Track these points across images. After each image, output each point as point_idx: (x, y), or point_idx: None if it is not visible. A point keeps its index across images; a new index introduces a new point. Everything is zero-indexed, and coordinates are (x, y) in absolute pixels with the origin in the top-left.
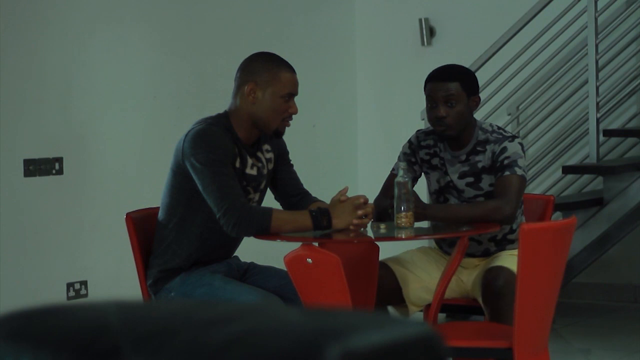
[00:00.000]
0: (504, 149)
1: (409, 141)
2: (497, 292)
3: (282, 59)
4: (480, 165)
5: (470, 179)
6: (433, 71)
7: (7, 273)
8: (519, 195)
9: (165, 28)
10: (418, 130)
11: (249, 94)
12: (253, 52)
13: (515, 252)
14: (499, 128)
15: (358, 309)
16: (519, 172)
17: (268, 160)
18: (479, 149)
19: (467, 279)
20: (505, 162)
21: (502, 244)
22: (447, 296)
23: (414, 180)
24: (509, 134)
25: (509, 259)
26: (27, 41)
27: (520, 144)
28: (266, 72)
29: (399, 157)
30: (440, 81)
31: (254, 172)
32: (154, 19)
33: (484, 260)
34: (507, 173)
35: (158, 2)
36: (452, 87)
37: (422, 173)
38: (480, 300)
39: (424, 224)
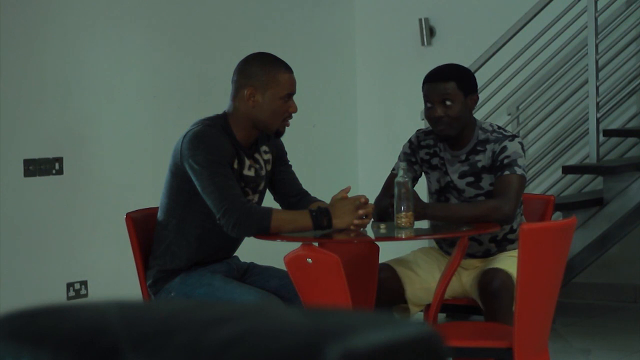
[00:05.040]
0: (504, 148)
1: (409, 141)
2: (493, 294)
3: (278, 59)
4: (480, 164)
5: (471, 179)
6: (429, 72)
7: (7, 273)
8: (518, 194)
9: (165, 28)
10: (418, 130)
11: (248, 98)
12: (251, 53)
13: (514, 253)
14: (499, 127)
15: (358, 309)
16: (519, 171)
17: (266, 161)
18: (479, 148)
19: (467, 279)
20: (505, 161)
21: (503, 244)
22: (447, 296)
23: (414, 180)
24: (509, 134)
25: (506, 261)
26: (27, 41)
27: (520, 143)
28: (264, 75)
29: (399, 156)
30: (436, 82)
31: (251, 173)
32: (154, 18)
33: (485, 262)
34: (506, 172)
35: (158, 2)
36: (448, 87)
37: (422, 173)
38: (478, 301)
39: (424, 224)
